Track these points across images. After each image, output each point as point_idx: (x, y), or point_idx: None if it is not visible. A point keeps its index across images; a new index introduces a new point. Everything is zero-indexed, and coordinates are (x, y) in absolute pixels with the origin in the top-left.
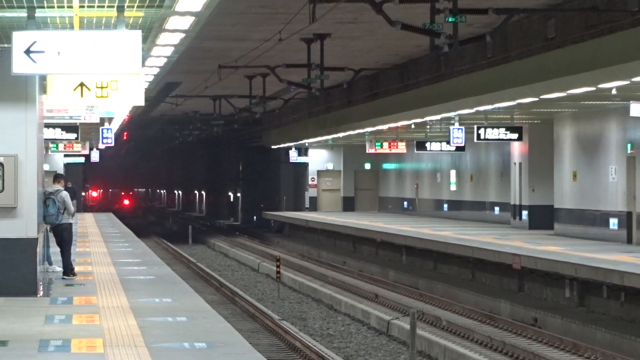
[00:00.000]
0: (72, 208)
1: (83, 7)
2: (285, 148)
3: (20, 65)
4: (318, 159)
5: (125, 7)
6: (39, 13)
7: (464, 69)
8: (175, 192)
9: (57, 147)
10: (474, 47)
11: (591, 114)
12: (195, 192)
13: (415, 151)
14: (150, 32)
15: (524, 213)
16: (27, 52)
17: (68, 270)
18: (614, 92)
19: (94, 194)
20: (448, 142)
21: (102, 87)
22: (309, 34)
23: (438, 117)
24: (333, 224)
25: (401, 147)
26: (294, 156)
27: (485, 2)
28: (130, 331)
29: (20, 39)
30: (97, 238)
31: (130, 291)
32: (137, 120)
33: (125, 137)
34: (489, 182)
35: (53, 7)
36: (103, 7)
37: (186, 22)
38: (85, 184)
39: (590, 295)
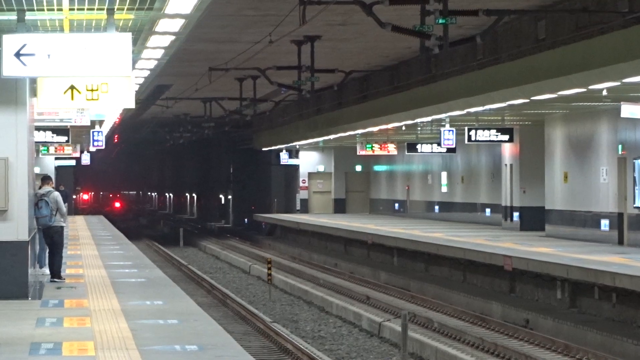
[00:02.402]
0: (64, 208)
1: (73, 9)
2: (276, 150)
3: (10, 68)
4: (309, 161)
5: (115, 10)
6: (29, 16)
7: (455, 70)
8: (166, 194)
9: (47, 149)
10: (465, 48)
11: (582, 115)
12: (187, 194)
13: (406, 153)
14: (140, 34)
15: (515, 214)
16: (17, 54)
17: (56, 273)
18: (604, 93)
19: (85, 196)
20: (439, 144)
21: (92, 90)
22: (299, 36)
23: (429, 118)
24: (324, 226)
25: (392, 149)
26: (284, 158)
27: (476, 4)
28: (121, 334)
29: (10, 42)
30: (88, 241)
31: (122, 294)
32: (128, 123)
33: (116, 140)
34: (480, 183)
35: (43, 9)
36: (93, 9)
37: (176, 25)
38: (77, 186)
39: (582, 296)
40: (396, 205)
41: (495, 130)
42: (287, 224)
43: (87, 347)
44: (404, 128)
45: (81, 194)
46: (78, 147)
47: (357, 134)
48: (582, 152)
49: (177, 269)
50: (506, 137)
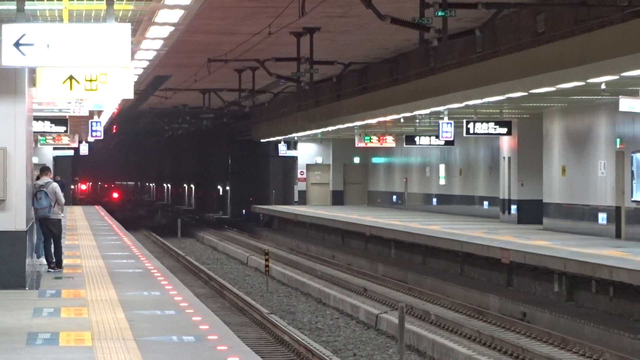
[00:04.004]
0: (62, 200)
1: None
2: (275, 142)
3: (9, 57)
4: (307, 152)
5: (115, 0)
6: (28, 5)
7: (454, 63)
8: (165, 185)
9: (45, 140)
10: (464, 41)
11: (580, 108)
12: (185, 185)
13: (405, 145)
14: (139, 25)
15: (513, 207)
16: (17, 44)
17: (55, 262)
18: (603, 86)
19: (83, 187)
20: (437, 137)
21: (91, 80)
22: (299, 27)
23: (427, 111)
24: (322, 218)
25: (390, 141)
26: (283, 150)
27: None
28: (118, 324)
29: (9, 32)
30: (86, 231)
31: (119, 284)
32: (127, 114)
33: (114, 131)
34: (478, 176)
35: None
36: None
37: (175, 15)
38: (75, 177)
39: (579, 289)
40: (394, 197)
41: (493, 123)
42: (285, 216)
43: (84, 337)
44: (402, 120)
45: (79, 184)
46: (76, 137)
47: (356, 126)
48: (580, 145)
49: (175, 259)
50: (504, 130)
